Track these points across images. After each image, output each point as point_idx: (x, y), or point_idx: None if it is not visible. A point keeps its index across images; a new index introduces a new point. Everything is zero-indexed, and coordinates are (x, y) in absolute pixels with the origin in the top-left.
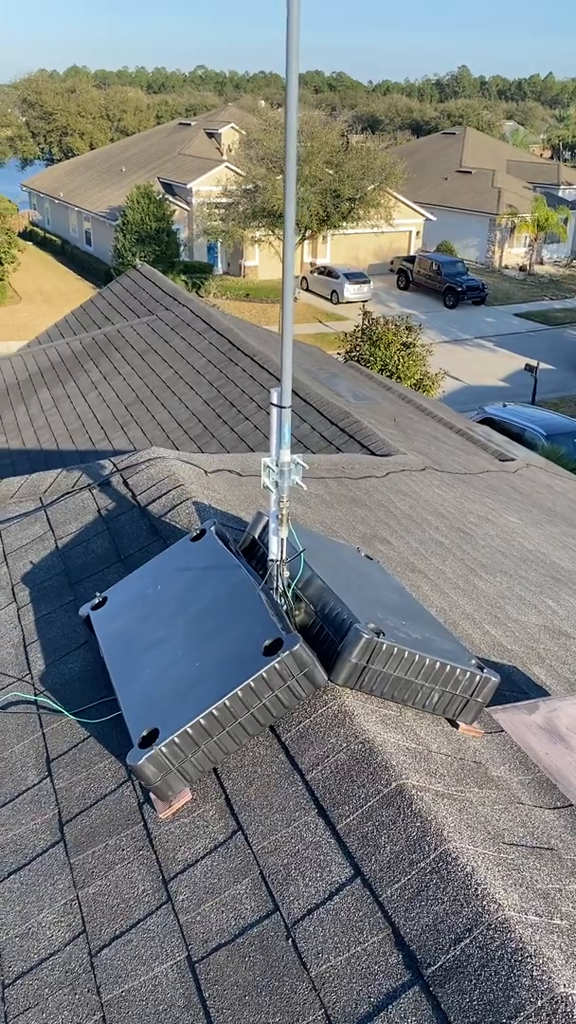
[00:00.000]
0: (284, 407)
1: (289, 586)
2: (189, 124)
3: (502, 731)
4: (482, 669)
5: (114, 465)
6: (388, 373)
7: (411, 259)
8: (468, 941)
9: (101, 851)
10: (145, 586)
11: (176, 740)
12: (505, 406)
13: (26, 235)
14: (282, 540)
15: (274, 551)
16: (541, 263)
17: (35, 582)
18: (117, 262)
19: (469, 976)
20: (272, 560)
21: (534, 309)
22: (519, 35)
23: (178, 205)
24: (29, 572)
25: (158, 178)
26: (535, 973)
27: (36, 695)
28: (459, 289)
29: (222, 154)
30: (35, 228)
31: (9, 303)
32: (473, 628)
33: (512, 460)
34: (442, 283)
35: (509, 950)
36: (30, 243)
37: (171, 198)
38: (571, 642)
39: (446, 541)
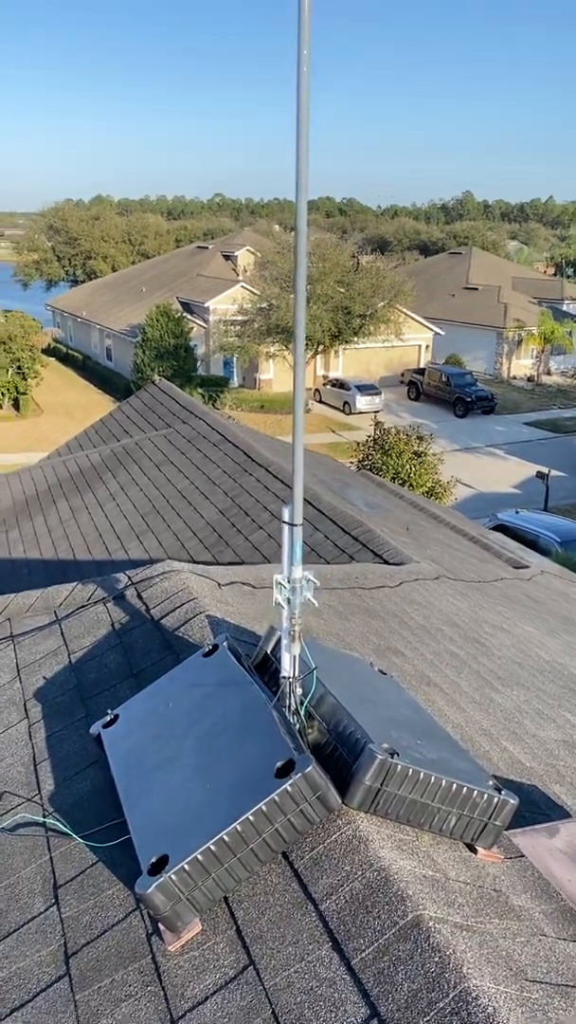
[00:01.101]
0: (295, 525)
1: (302, 703)
2: (207, 247)
3: (522, 856)
4: (500, 791)
5: (129, 578)
6: (400, 481)
7: (421, 371)
8: None
9: (108, 986)
10: (157, 703)
11: (186, 867)
12: (518, 513)
13: (49, 351)
14: (294, 657)
15: (286, 668)
16: (549, 373)
17: (47, 698)
18: (136, 376)
19: None
20: (284, 677)
21: (543, 418)
22: (520, 162)
23: (196, 323)
24: (42, 687)
25: (177, 297)
26: None
27: (45, 817)
28: (469, 399)
29: (238, 275)
30: (58, 345)
31: (32, 415)
32: (490, 744)
33: (526, 567)
34: (452, 394)
35: None
36: (53, 359)
37: (189, 316)
38: None
39: (461, 652)
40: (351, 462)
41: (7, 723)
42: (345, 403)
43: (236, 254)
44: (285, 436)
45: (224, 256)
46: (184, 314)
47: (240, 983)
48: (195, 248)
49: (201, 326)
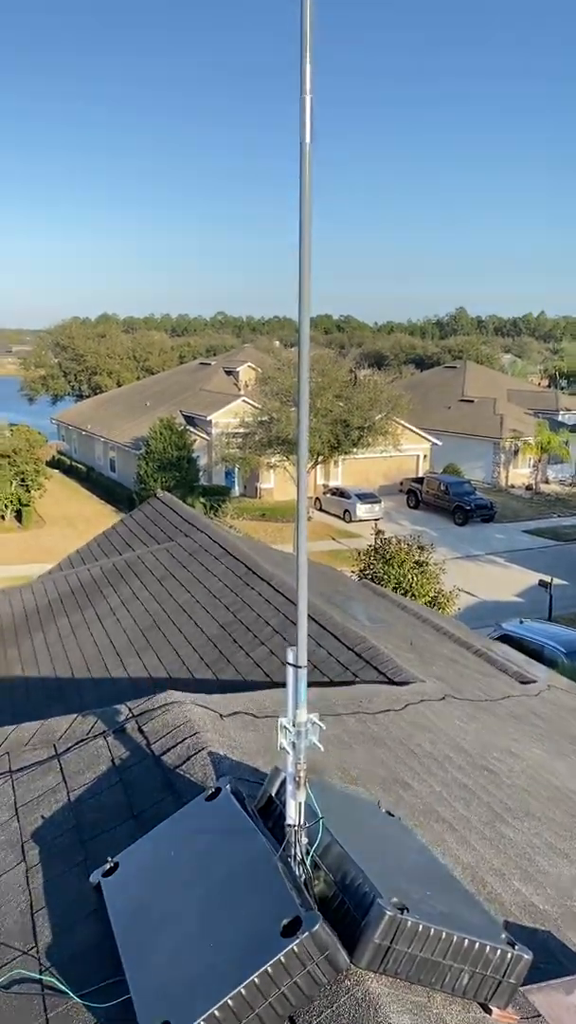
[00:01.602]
0: (300, 666)
1: (308, 853)
2: (209, 363)
3: (539, 1016)
4: (513, 945)
5: (129, 710)
6: (403, 591)
7: (420, 480)
8: None
9: None
10: (158, 851)
11: None
12: (522, 623)
13: (53, 463)
14: (300, 804)
15: (291, 815)
16: (547, 482)
17: (46, 839)
18: (139, 487)
19: None
20: (289, 825)
21: (543, 526)
22: (511, 280)
23: (198, 435)
24: (40, 827)
25: (180, 411)
26: None
27: (42, 973)
28: (468, 507)
29: (239, 389)
30: (62, 457)
31: (34, 527)
32: (502, 886)
33: (533, 682)
34: (451, 502)
35: None
36: (57, 471)
37: (192, 429)
38: None
39: (469, 782)
40: (352, 571)
41: (5, 866)
42: (345, 511)
43: (238, 370)
44: (286, 544)
45: (226, 371)
46: (187, 427)
47: None
48: (198, 364)
49: (204, 438)
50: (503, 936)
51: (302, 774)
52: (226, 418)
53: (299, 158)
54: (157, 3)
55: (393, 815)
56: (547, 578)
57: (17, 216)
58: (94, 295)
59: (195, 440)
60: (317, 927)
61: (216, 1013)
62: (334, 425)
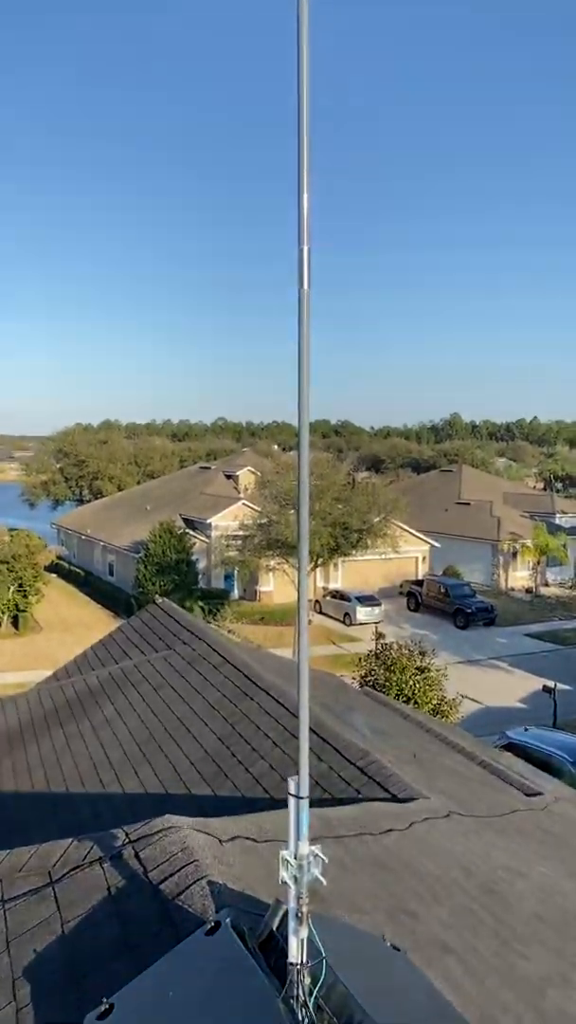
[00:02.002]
0: (302, 797)
1: (311, 994)
2: (209, 467)
3: None
4: None
5: (127, 835)
6: (405, 698)
7: (419, 582)
8: None
9: None
10: (156, 991)
11: None
12: (527, 730)
13: (52, 568)
14: (302, 940)
15: (293, 954)
16: (547, 585)
17: (37, 976)
18: (137, 591)
19: None
20: (292, 964)
21: (544, 629)
22: (503, 386)
23: (198, 538)
24: (32, 962)
25: (180, 515)
26: None
27: None
28: (469, 611)
29: (239, 493)
30: (61, 562)
31: (31, 632)
32: None
33: (539, 794)
34: (451, 605)
35: None
36: (55, 575)
37: (191, 532)
38: None
39: (477, 907)
40: (353, 678)
41: None
42: (345, 614)
43: (237, 474)
44: (285, 648)
45: (226, 475)
46: (186, 530)
47: None
48: (199, 468)
49: (203, 541)
50: None
51: (304, 909)
52: (225, 521)
53: (297, 305)
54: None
55: (399, 949)
56: (551, 683)
57: (21, 325)
58: (97, 402)
59: (194, 543)
60: None
61: None
62: (333, 527)
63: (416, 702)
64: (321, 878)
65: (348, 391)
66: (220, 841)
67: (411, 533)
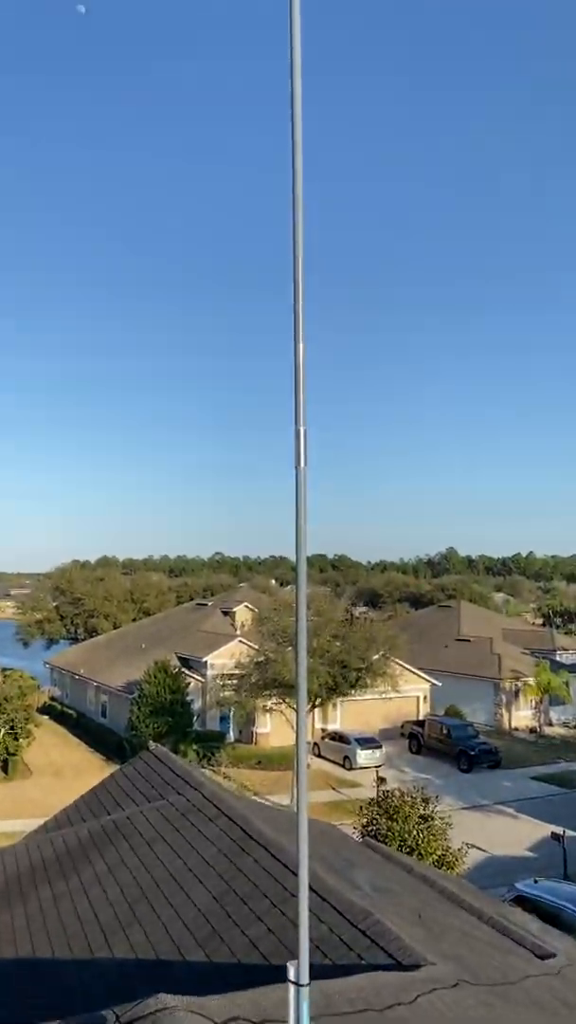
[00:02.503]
0: (303, 985)
1: None
2: (206, 604)
3: None
4: None
5: (117, 1017)
6: (408, 849)
7: (421, 723)
8: None
9: None
10: None
11: None
12: (536, 882)
13: (44, 709)
14: None
15: None
16: (551, 724)
17: None
18: (130, 734)
19: None
20: None
21: (551, 771)
22: (499, 522)
23: (193, 677)
24: None
25: (175, 653)
26: None
27: None
28: (472, 753)
29: (236, 630)
30: (54, 702)
31: (19, 777)
32: None
33: (553, 956)
34: (454, 747)
35: None
36: (47, 716)
37: (187, 671)
38: None
39: None
40: (354, 827)
41: None
42: (345, 758)
43: (234, 610)
44: (283, 795)
45: (223, 612)
46: (182, 669)
47: None
48: (195, 605)
49: (199, 680)
50: None
51: None
52: (222, 659)
53: (294, 483)
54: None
55: None
56: (559, 830)
57: (19, 460)
58: (95, 538)
59: (189, 683)
60: None
61: None
62: (331, 666)
63: (420, 853)
64: None
65: (344, 525)
66: (214, 1023)
67: (411, 671)
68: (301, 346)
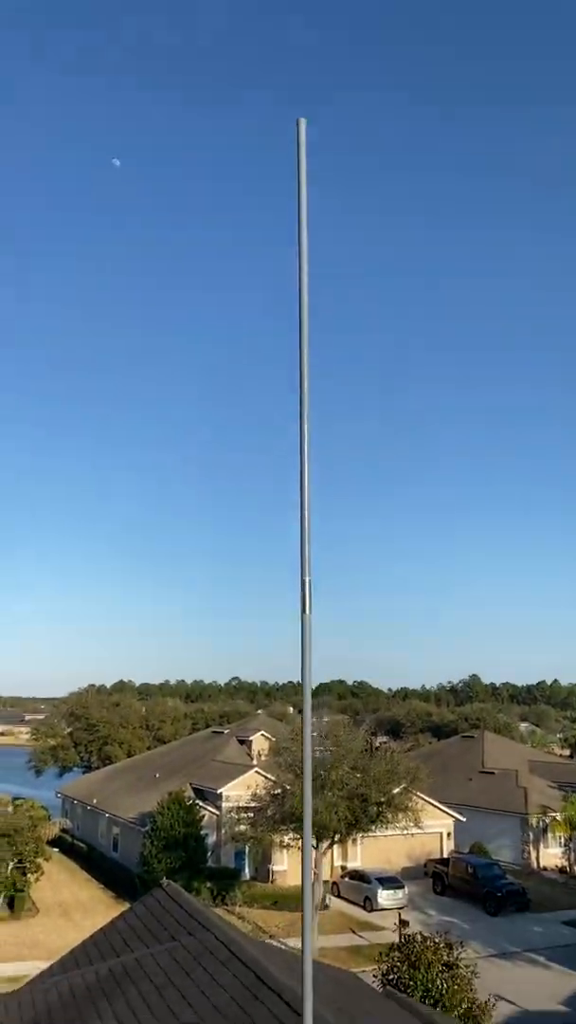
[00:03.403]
0: None
1: None
2: (222, 732)
3: None
4: None
5: None
6: (431, 1000)
7: (445, 861)
8: None
9: None
10: None
11: None
12: None
13: (54, 841)
14: None
15: None
16: None
17: None
18: (142, 870)
19: None
20: None
21: None
22: (523, 648)
23: (208, 810)
24: None
25: (190, 783)
26: None
27: None
28: (500, 894)
29: (252, 759)
30: (64, 834)
31: (26, 916)
32: None
33: None
34: (480, 887)
35: None
36: (56, 849)
37: (201, 803)
38: None
39: None
40: (374, 975)
41: None
42: (366, 898)
43: (251, 739)
44: (298, 938)
45: (239, 741)
46: (196, 801)
47: None
48: (211, 732)
49: (213, 813)
50: None
51: None
52: (238, 791)
53: (300, 630)
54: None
55: None
56: None
57: (39, 583)
58: (111, 662)
59: (204, 815)
60: None
61: None
62: (351, 800)
63: (444, 1005)
64: None
65: (364, 651)
66: None
67: (434, 805)
68: (306, 499)
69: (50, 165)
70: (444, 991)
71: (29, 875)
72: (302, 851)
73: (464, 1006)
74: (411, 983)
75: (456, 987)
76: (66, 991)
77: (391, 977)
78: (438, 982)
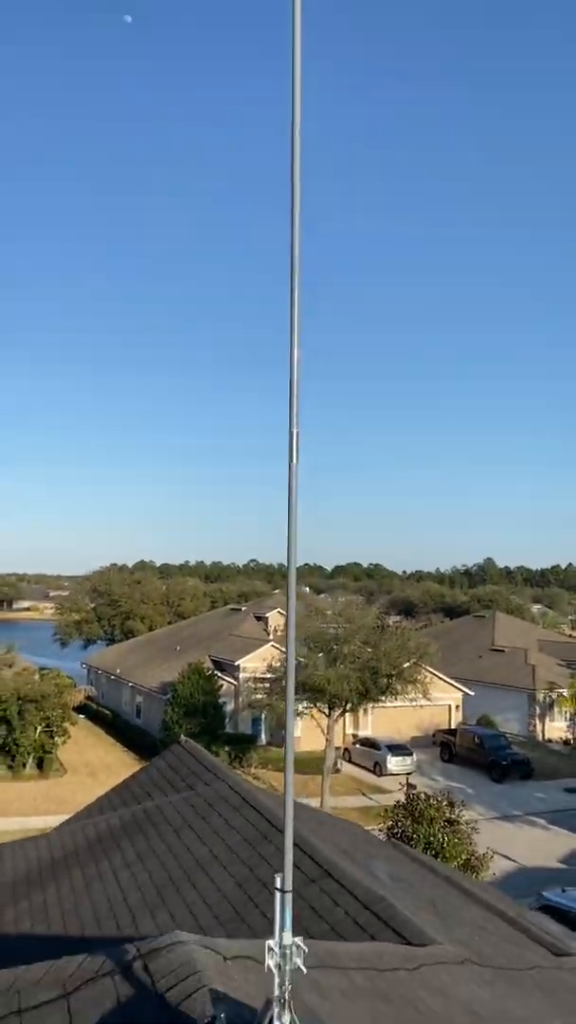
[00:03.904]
0: (286, 891)
1: None
2: (240, 609)
3: None
4: None
5: (137, 950)
6: (433, 852)
7: (452, 732)
8: None
9: None
10: None
11: None
12: (564, 891)
13: (80, 708)
14: None
15: None
16: None
17: None
18: (164, 734)
19: None
20: None
21: None
22: (538, 532)
23: (226, 680)
24: None
25: (209, 656)
26: None
27: None
28: (504, 763)
29: (269, 635)
30: (89, 702)
31: (54, 776)
32: None
33: (570, 955)
34: (486, 756)
35: None
36: (82, 716)
37: (220, 674)
38: None
39: None
40: (380, 829)
41: None
42: (376, 764)
43: (267, 615)
44: (312, 798)
45: (256, 617)
46: (215, 672)
47: None
48: (229, 609)
49: (231, 683)
50: None
51: (287, 996)
52: (254, 663)
53: (287, 479)
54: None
55: None
56: None
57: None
58: (134, 543)
59: (222, 685)
60: None
61: None
62: (362, 672)
63: (445, 856)
64: (303, 967)
65: (379, 535)
66: (224, 958)
67: (443, 680)
68: (296, 352)
69: None
70: (445, 844)
71: (56, 738)
72: (285, 702)
73: (463, 857)
74: (414, 836)
75: (456, 840)
76: (92, 833)
77: (395, 831)
78: (440, 836)
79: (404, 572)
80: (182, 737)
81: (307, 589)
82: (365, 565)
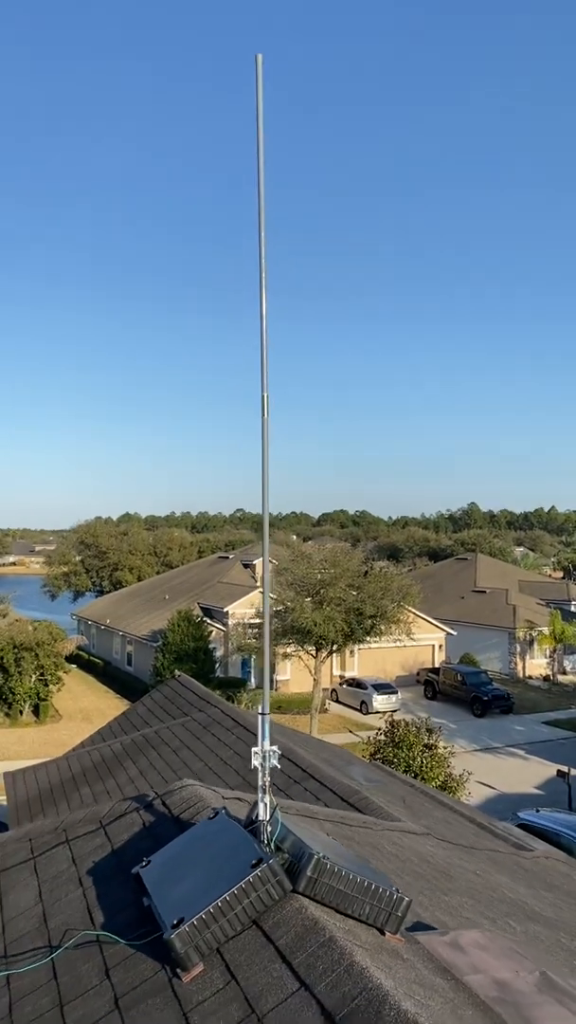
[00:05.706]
0: (265, 714)
1: (272, 838)
2: (227, 557)
3: (418, 943)
4: (398, 891)
5: (156, 793)
6: (412, 774)
7: (436, 670)
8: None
9: (145, 1007)
10: (175, 850)
11: (195, 923)
12: (539, 811)
13: (72, 658)
14: (266, 804)
15: (261, 813)
16: (564, 672)
17: (97, 874)
18: (155, 680)
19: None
20: (260, 820)
21: (562, 717)
22: (521, 478)
23: (215, 626)
24: (92, 867)
25: (198, 603)
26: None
27: (98, 937)
28: (485, 698)
29: (256, 581)
30: (81, 652)
31: (50, 722)
32: (422, 911)
33: (530, 850)
34: (468, 693)
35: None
36: (75, 665)
37: (209, 620)
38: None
39: (425, 874)
40: (363, 758)
41: (68, 892)
42: (362, 703)
43: (254, 562)
44: (301, 732)
45: (244, 564)
46: (204, 618)
47: (226, 989)
48: (216, 558)
49: (220, 629)
50: (393, 887)
51: (267, 783)
52: (243, 609)
53: (260, 432)
54: None
55: (330, 836)
56: (565, 768)
57: (45, 424)
58: (118, 496)
59: (211, 631)
60: (272, 861)
61: (210, 909)
62: (347, 614)
63: (423, 778)
64: (277, 764)
65: (365, 482)
66: (223, 797)
67: (427, 620)
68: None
69: None
70: (423, 766)
71: (51, 685)
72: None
73: (440, 779)
74: (395, 760)
75: (434, 763)
76: (97, 756)
77: (378, 756)
78: (418, 759)
79: (390, 518)
80: (176, 672)
81: (294, 537)
82: (351, 512)
